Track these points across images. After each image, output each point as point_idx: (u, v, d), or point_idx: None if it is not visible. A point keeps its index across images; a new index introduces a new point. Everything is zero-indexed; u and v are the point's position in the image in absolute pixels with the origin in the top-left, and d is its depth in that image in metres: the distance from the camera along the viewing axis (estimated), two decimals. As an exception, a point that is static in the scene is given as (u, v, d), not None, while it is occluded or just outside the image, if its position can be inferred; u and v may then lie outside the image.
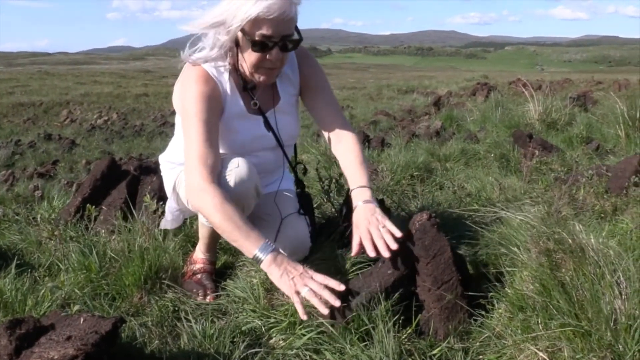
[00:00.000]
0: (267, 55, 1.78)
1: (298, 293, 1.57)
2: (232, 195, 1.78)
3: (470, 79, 22.63)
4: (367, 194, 1.84)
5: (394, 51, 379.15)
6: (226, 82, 1.89)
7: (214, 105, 1.83)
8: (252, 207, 1.94)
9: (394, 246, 1.65)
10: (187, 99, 1.82)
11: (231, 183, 1.80)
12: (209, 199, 1.68)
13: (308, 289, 1.57)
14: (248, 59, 1.82)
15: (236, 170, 1.82)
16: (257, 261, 1.64)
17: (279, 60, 1.81)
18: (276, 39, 1.75)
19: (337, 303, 1.56)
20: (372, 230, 1.70)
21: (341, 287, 1.59)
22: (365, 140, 5.30)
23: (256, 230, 1.68)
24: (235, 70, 1.90)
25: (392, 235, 1.67)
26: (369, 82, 32.20)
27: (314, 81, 2.05)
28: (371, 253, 1.67)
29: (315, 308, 1.56)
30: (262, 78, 1.86)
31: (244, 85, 1.90)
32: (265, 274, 1.72)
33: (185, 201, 2.02)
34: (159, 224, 2.24)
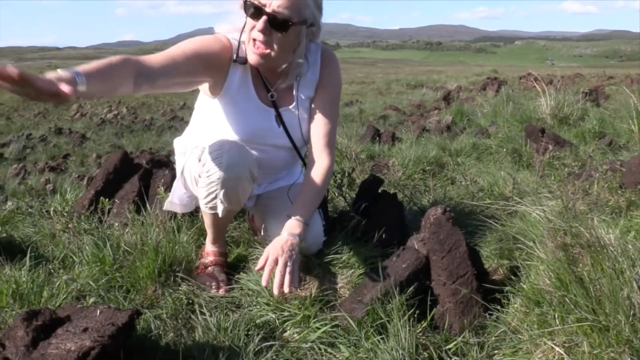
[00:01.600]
0: (256, 25, 1.78)
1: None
2: (224, 177, 1.81)
3: (479, 74, 22.50)
4: (297, 229, 1.84)
5: (402, 46, 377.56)
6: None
7: (207, 60, 1.83)
8: (249, 191, 1.95)
9: (287, 290, 1.67)
10: (194, 38, 1.84)
11: (223, 165, 1.81)
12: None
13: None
14: (246, 26, 1.84)
15: (228, 152, 1.83)
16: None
17: (266, 37, 1.79)
18: (267, 9, 1.75)
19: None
20: (279, 262, 1.71)
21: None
22: (375, 135, 5.28)
23: (111, 78, 1.45)
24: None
25: (291, 279, 1.69)
26: (378, 76, 32.08)
27: (326, 89, 2.05)
28: (264, 282, 1.70)
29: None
30: (252, 57, 1.86)
31: (236, 57, 1.90)
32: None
33: (191, 186, 2.04)
34: (172, 218, 2.25)
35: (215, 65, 1.88)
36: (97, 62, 1.43)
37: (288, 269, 1.71)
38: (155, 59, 1.69)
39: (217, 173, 1.82)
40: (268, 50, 1.83)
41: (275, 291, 1.68)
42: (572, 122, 5.25)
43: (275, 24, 1.78)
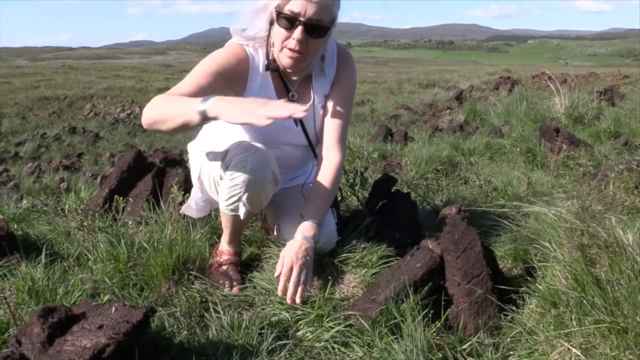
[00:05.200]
0: (292, 34, 1.79)
1: (253, 114, 1.46)
2: (248, 181, 1.81)
3: (492, 73, 22.29)
4: (311, 231, 1.88)
5: (414, 45, 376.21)
6: (260, 63, 1.92)
7: (228, 77, 1.87)
8: (271, 195, 1.95)
9: (298, 301, 1.73)
10: (209, 57, 1.86)
11: (248, 168, 1.80)
12: (153, 100, 1.71)
13: (265, 109, 1.45)
14: (276, 35, 1.84)
15: (253, 155, 1.82)
16: (203, 114, 1.55)
17: (302, 44, 1.81)
18: (302, 18, 1.76)
19: (301, 114, 1.43)
20: (294, 270, 1.76)
21: (304, 107, 1.44)
22: (387, 134, 5.27)
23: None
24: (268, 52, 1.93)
25: (303, 290, 1.76)
26: (389, 76, 31.95)
27: (340, 86, 2.06)
28: (280, 293, 1.76)
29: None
30: (285, 61, 1.87)
31: (267, 65, 1.91)
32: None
33: (209, 188, 2.04)
34: (185, 216, 2.26)
35: (235, 80, 1.91)
36: (180, 98, 1.67)
37: (302, 278, 1.76)
38: (185, 90, 1.74)
39: (242, 176, 1.82)
40: (302, 55, 1.85)
41: (288, 301, 1.74)
42: (587, 122, 5.19)
43: (312, 31, 1.79)
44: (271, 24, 1.84)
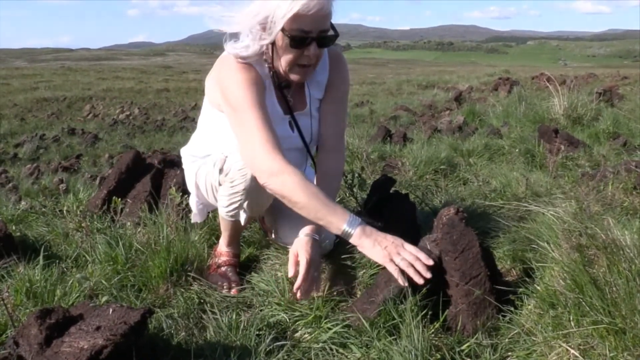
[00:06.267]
0: (305, 51, 1.78)
1: (392, 261, 1.63)
2: (249, 188, 1.81)
3: (491, 74, 22.30)
4: (315, 230, 1.86)
5: (413, 46, 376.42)
6: (266, 76, 1.89)
7: (260, 89, 1.83)
8: (271, 200, 1.94)
9: (299, 295, 1.75)
10: (231, 88, 1.80)
11: (248, 176, 1.81)
12: (290, 179, 1.70)
13: (402, 258, 1.63)
14: (284, 56, 1.80)
15: None
16: (346, 236, 1.70)
17: (315, 57, 1.80)
18: (313, 35, 1.75)
19: (428, 275, 1.60)
20: (310, 268, 1.77)
21: (429, 262, 1.63)
22: (386, 135, 5.27)
23: (339, 205, 1.74)
24: (270, 68, 1.89)
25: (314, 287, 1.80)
26: (389, 77, 31.94)
27: (335, 90, 2.04)
28: (295, 289, 1.76)
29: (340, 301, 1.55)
30: (297, 77, 1.86)
31: (279, 84, 1.90)
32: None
33: (206, 193, 2.04)
34: (183, 217, 2.25)
35: (264, 92, 1.87)
36: (323, 197, 1.71)
37: (312, 274, 1.77)
38: (266, 136, 1.74)
39: (242, 184, 1.82)
40: (313, 66, 1.85)
41: (298, 295, 1.74)
42: (585, 123, 5.19)
43: (324, 43, 1.80)
44: (273, 44, 1.79)
